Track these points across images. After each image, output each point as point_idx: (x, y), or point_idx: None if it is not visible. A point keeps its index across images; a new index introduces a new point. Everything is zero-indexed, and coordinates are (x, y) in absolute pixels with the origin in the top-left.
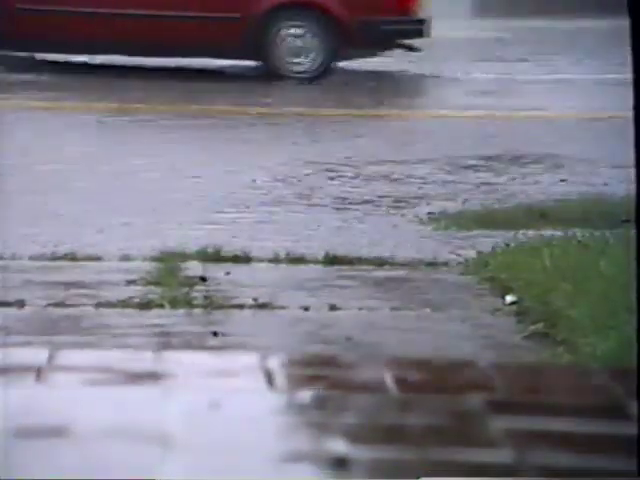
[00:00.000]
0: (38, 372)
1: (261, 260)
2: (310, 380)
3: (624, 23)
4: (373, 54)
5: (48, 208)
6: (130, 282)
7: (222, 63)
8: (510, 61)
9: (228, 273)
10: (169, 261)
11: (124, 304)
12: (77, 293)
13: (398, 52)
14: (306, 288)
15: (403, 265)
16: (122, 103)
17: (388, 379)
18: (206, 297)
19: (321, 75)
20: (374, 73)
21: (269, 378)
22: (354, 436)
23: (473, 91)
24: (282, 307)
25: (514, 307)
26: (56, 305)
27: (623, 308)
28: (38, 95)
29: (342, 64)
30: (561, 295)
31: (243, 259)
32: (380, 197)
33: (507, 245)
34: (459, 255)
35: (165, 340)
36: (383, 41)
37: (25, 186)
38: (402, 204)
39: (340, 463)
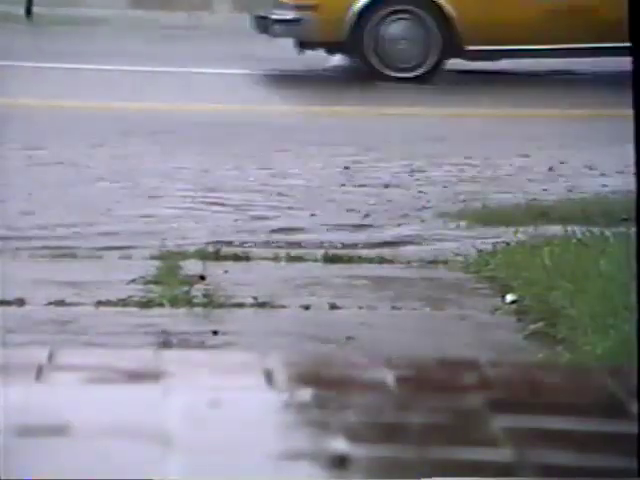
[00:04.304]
0: (39, 371)
1: None
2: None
3: None
4: None
5: None
6: None
7: None
8: None
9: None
10: None
11: None
12: None
13: None
14: None
15: (402, 263)
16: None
17: (388, 378)
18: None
19: None
20: None
21: (269, 377)
22: (354, 435)
23: None
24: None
25: (514, 306)
26: None
27: (623, 307)
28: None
29: None
30: (561, 294)
31: None
32: None
33: (507, 244)
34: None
35: None
36: None
37: None
38: None
39: (340, 462)
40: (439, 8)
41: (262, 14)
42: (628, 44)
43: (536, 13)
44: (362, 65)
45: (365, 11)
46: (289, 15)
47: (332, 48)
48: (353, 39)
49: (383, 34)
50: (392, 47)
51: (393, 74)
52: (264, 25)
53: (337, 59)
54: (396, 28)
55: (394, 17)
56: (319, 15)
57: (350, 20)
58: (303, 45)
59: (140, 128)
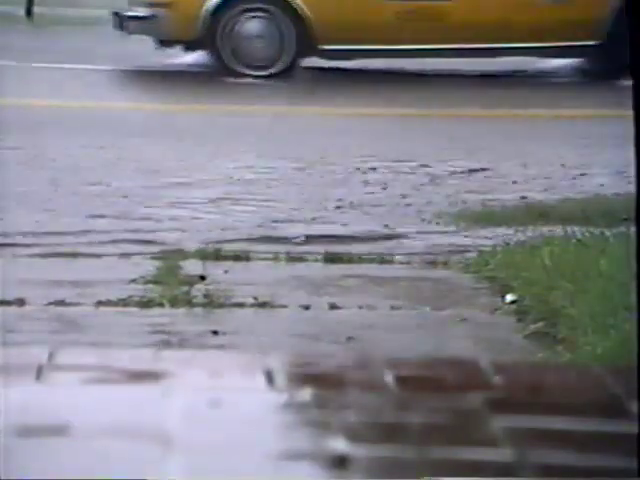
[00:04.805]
0: (39, 371)
1: None
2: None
3: None
4: None
5: None
6: None
7: None
8: None
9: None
10: None
11: None
12: None
13: None
14: None
15: (402, 263)
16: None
17: (388, 378)
18: None
19: None
20: None
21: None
22: (354, 435)
23: None
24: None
25: (514, 306)
26: None
27: (623, 307)
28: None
29: None
30: (561, 294)
31: None
32: None
33: (507, 244)
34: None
35: None
36: None
37: None
38: None
39: (340, 462)
40: (293, 8)
41: (118, 11)
42: (478, 45)
43: (387, 15)
44: (217, 62)
45: (219, 9)
46: (143, 12)
47: (189, 45)
48: (207, 36)
49: (237, 32)
50: (246, 45)
51: (247, 72)
52: (120, 22)
53: (196, 56)
54: (250, 26)
55: (248, 15)
56: (173, 12)
57: (204, 17)
58: (162, 42)
59: (137, 128)
